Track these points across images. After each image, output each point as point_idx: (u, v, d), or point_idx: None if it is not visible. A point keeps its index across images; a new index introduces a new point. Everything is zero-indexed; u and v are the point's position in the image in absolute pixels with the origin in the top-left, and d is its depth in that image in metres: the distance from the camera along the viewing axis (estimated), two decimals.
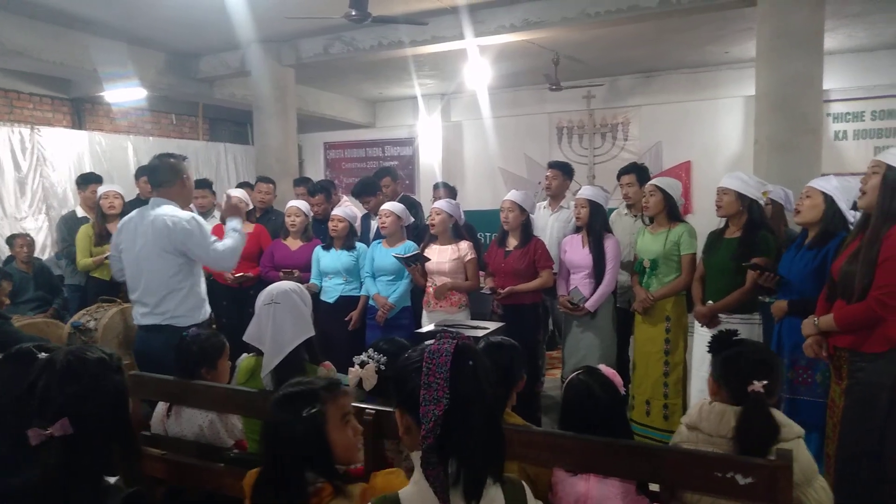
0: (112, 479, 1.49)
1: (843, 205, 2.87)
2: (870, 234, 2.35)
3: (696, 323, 3.54)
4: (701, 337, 3.52)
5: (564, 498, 1.90)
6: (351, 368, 2.27)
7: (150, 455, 2.24)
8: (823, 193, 2.91)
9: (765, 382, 1.75)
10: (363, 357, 2.29)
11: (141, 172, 5.52)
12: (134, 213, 3.24)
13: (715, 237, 3.53)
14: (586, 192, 4.04)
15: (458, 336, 1.33)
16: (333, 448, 1.57)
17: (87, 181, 5.39)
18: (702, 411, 1.91)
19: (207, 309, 3.28)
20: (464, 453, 1.24)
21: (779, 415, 1.82)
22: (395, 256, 4.12)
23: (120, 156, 7.73)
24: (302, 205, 4.74)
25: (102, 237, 4.77)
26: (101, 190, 5.00)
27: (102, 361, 1.50)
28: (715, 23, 6.22)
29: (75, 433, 1.39)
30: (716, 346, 2.01)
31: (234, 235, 3.31)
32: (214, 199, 5.70)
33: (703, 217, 6.02)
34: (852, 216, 2.88)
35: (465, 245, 4.15)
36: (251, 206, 5.12)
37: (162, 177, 3.21)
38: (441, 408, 1.22)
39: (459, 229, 4.27)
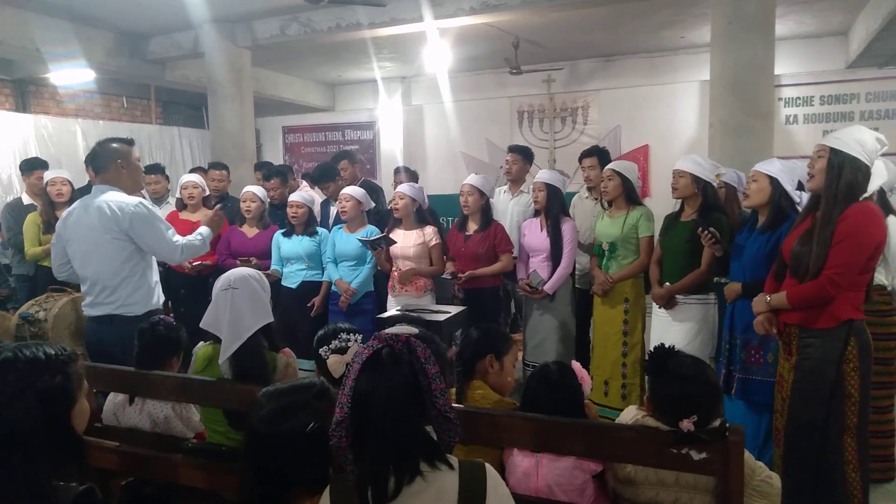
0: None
1: (789, 186, 2.97)
2: (822, 216, 2.42)
3: (654, 304, 3.62)
4: (658, 318, 3.60)
5: (513, 475, 1.92)
6: (334, 356, 2.24)
7: (104, 447, 2.19)
8: (769, 176, 2.99)
9: (695, 419, 1.68)
10: (339, 343, 2.26)
11: (89, 161, 5.33)
12: (76, 203, 3.13)
13: (671, 220, 3.60)
14: (544, 175, 4.06)
15: (389, 340, 1.30)
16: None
17: (32, 167, 5.17)
18: (635, 425, 1.88)
19: (160, 296, 3.19)
20: (368, 455, 1.26)
21: None
22: (359, 240, 4.07)
23: (68, 140, 7.43)
24: (258, 190, 4.65)
25: (51, 225, 4.58)
26: (47, 176, 4.80)
27: (35, 362, 1.38)
28: (671, 8, 6.30)
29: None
30: (651, 365, 1.90)
31: (199, 239, 3.23)
32: (168, 185, 5.56)
33: (661, 200, 6.12)
34: (798, 196, 2.99)
35: (430, 230, 4.14)
36: (207, 192, 5.00)
37: (101, 162, 3.11)
38: (342, 413, 1.25)
39: (424, 213, 4.25)
